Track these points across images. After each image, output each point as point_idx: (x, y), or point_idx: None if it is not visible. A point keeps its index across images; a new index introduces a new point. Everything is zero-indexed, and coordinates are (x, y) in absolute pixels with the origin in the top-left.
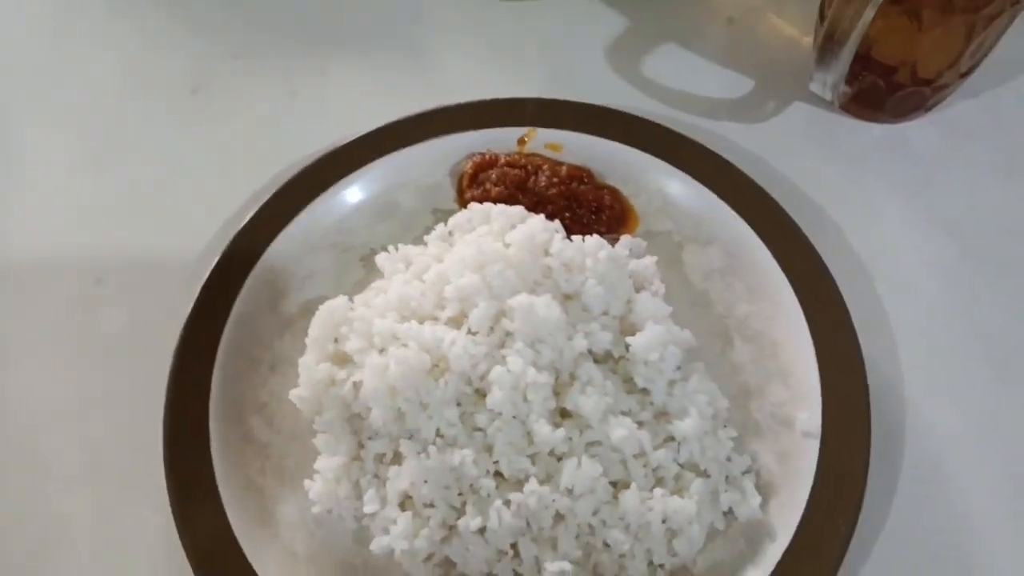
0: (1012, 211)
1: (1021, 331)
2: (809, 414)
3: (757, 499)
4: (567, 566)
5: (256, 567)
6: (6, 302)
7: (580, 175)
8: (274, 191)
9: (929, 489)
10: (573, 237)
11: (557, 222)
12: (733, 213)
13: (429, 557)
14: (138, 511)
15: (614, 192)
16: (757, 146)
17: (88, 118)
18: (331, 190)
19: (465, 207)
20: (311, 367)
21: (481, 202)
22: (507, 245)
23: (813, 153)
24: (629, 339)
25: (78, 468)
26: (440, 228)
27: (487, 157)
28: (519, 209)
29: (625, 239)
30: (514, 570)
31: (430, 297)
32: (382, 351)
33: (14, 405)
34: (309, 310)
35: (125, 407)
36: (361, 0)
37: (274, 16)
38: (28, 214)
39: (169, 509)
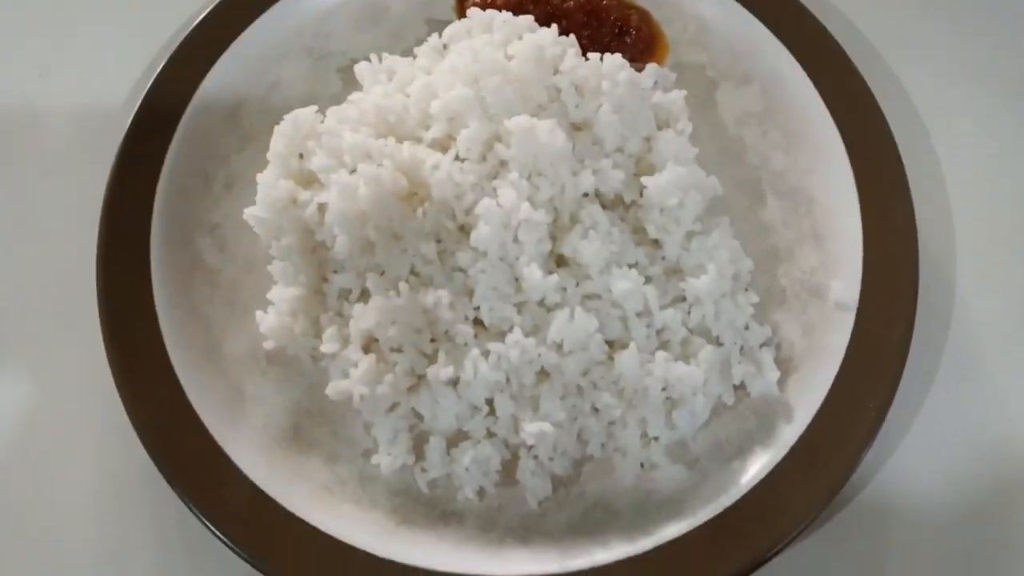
0: None
1: None
2: (845, 283)
3: (775, 374)
4: (548, 428)
5: (195, 404)
6: None
7: None
8: None
9: (969, 384)
10: (589, 56)
11: (572, 38)
12: (779, 44)
13: (393, 408)
14: (71, 332)
15: (643, 13)
16: None
17: None
18: None
19: (465, 16)
20: (271, 184)
21: (484, 9)
22: (509, 57)
23: None
24: (645, 179)
25: (9, 288)
26: (434, 39)
27: None
28: (528, 19)
29: (651, 68)
30: (488, 429)
31: (413, 113)
32: (352, 171)
33: None
34: (274, 123)
35: (63, 220)
36: None
37: None
38: None
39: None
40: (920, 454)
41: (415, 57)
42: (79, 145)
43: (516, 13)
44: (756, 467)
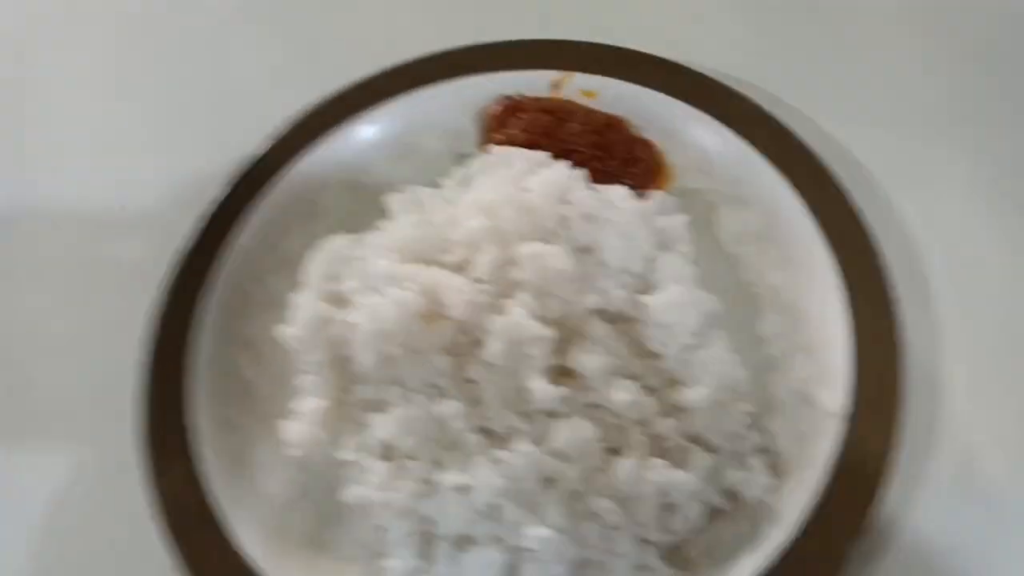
0: None
1: None
2: (834, 393)
3: (766, 480)
4: (550, 533)
5: (227, 508)
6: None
7: (615, 124)
8: (290, 121)
9: (959, 492)
10: (598, 187)
11: (584, 171)
12: (775, 174)
13: (405, 513)
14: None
15: (648, 145)
16: (807, 105)
17: (111, 45)
18: (349, 124)
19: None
20: (305, 305)
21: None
22: (525, 190)
23: (869, 115)
24: (646, 298)
25: (62, 392)
26: (458, 172)
27: (517, 101)
28: (542, 154)
29: (656, 195)
30: (493, 534)
31: (436, 240)
32: (380, 293)
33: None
34: (312, 247)
35: (111, 324)
36: None
37: None
38: (53, 136)
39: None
40: (911, 554)
41: (441, 188)
42: (128, 258)
43: (532, 148)
44: (748, 571)
